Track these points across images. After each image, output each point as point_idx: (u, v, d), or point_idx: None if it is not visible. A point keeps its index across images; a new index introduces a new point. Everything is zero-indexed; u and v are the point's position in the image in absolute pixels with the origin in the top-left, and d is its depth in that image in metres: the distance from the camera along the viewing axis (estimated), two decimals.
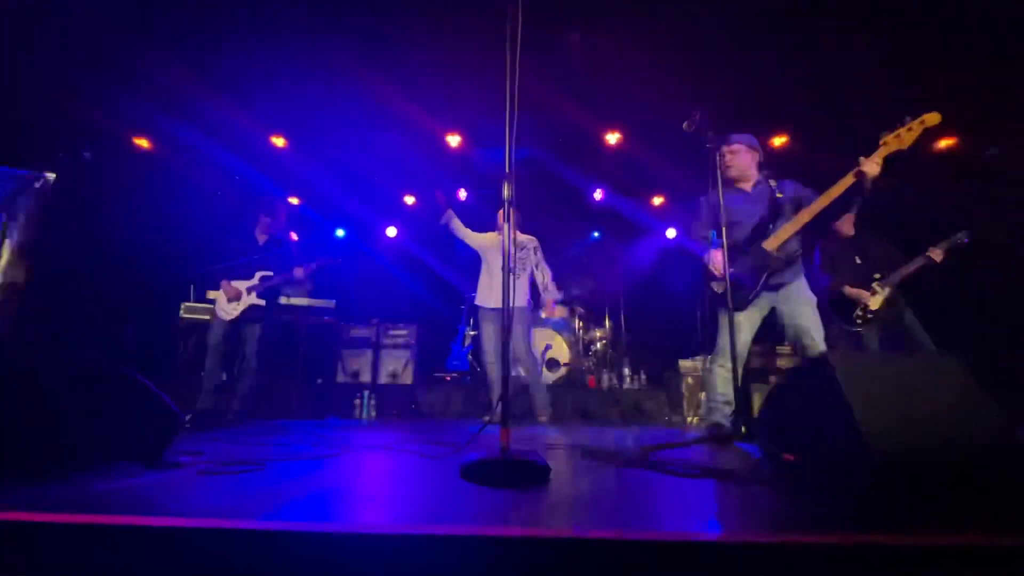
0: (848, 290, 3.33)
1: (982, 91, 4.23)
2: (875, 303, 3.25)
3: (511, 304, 3.45)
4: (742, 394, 4.15)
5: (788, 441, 1.61)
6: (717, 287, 2.59)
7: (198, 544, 0.83)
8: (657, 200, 6.49)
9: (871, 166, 2.28)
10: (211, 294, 4.12)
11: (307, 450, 1.88)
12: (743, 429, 1.85)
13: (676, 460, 1.65)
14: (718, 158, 2.47)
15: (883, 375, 1.39)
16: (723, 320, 2.50)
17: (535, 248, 4.20)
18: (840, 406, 1.35)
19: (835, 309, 3.39)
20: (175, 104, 4.77)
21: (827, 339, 2.49)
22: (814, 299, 2.54)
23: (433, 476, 1.41)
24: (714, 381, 2.52)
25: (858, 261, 3.42)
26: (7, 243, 3.98)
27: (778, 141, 4.96)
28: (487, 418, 3.69)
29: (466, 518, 0.95)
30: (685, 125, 2.47)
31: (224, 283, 3.89)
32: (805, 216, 2.47)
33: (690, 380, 5.02)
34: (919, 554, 0.80)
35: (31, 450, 1.41)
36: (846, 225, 3.53)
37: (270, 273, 4.01)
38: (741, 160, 2.69)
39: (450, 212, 4.13)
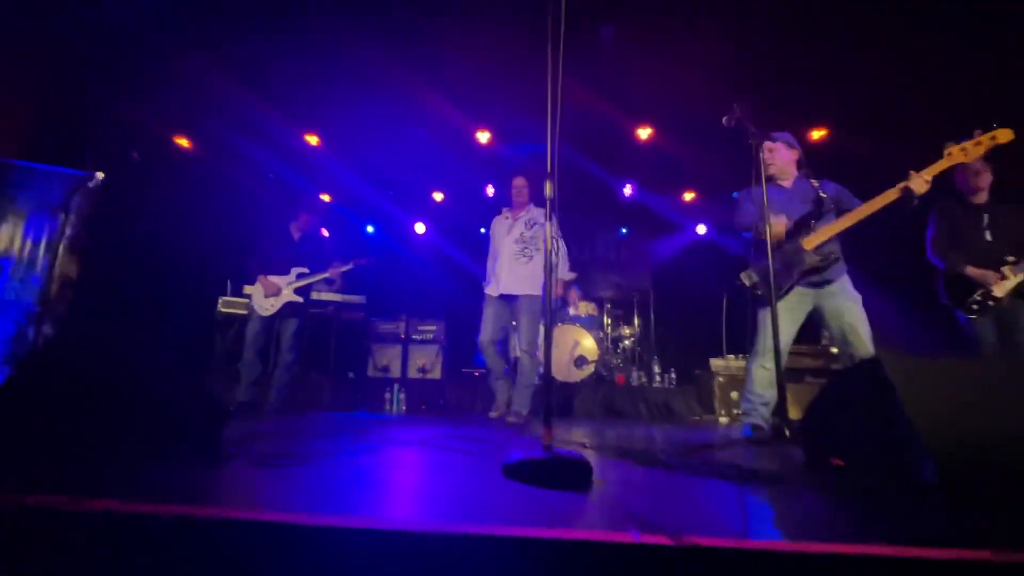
0: (971, 270, 2.76)
1: None
2: (1000, 289, 2.67)
3: (519, 292, 3.41)
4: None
5: (835, 445, 1.57)
6: (745, 278, 2.58)
7: (254, 536, 0.86)
8: (688, 195, 6.37)
9: (919, 183, 2.24)
10: (247, 289, 4.12)
11: (349, 444, 1.92)
12: (785, 432, 1.81)
13: (719, 462, 1.63)
14: (762, 149, 2.42)
15: (941, 378, 1.34)
16: (764, 318, 2.46)
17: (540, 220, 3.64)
18: (893, 409, 1.31)
19: (949, 290, 2.88)
20: (213, 104, 4.91)
21: (932, 324, 2.36)
22: (859, 296, 2.48)
23: (476, 473, 1.43)
24: (753, 380, 2.48)
25: (988, 237, 2.82)
26: (60, 239, 4.19)
27: (816, 135, 4.81)
28: (494, 413, 3.60)
29: (517, 518, 0.96)
30: (725, 120, 2.42)
31: (262, 278, 3.94)
32: (846, 221, 2.43)
33: (721, 379, 4.92)
34: (974, 570, 0.77)
35: (90, 439, 1.48)
36: (980, 189, 2.90)
37: (306, 270, 4.06)
38: (780, 157, 2.67)
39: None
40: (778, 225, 2.43)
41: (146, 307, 4.38)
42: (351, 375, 5.54)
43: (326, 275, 4.12)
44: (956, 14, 3.64)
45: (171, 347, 4.94)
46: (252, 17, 4.07)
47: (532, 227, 3.58)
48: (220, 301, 5.29)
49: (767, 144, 2.61)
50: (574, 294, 5.99)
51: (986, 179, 2.89)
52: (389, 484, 1.26)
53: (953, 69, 4.12)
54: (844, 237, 2.52)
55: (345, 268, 4.20)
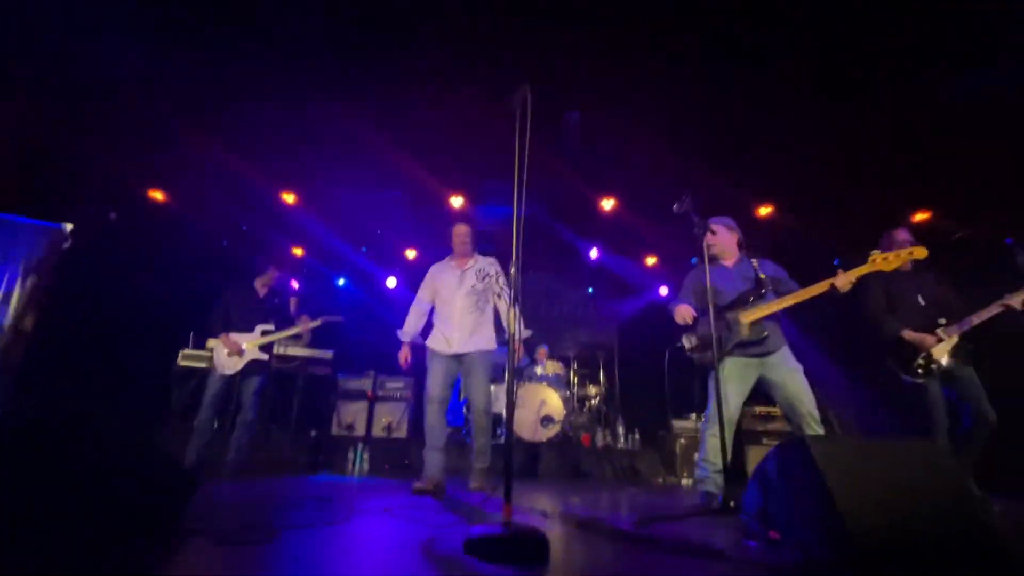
0: (909, 334, 2.96)
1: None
2: (939, 351, 2.89)
3: (473, 349, 3.11)
4: (735, 459, 4.20)
5: (774, 518, 1.70)
6: (686, 341, 2.85)
7: None
8: (650, 260, 6.72)
9: (844, 283, 2.55)
10: (210, 343, 4.00)
11: (314, 515, 1.93)
12: (731, 504, 1.93)
13: (668, 535, 1.72)
14: (705, 235, 2.70)
15: (864, 459, 1.50)
16: (713, 387, 2.63)
17: (497, 273, 3.34)
18: (821, 488, 1.45)
19: (893, 355, 3.06)
20: (189, 159, 5.01)
21: (889, 387, 2.56)
22: (800, 367, 2.68)
23: (439, 548, 1.48)
24: (706, 448, 2.62)
25: (922, 302, 3.06)
26: (18, 290, 4.10)
27: (763, 211, 5.25)
28: (420, 486, 2.74)
29: None
30: (675, 206, 2.69)
31: (224, 336, 3.80)
32: (780, 304, 2.67)
33: (683, 441, 5.06)
34: None
35: (44, 517, 1.45)
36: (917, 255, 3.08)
37: (272, 327, 3.97)
38: (722, 239, 2.98)
39: (405, 349, 3.39)
40: (684, 313, 2.77)
41: (104, 368, 4.23)
42: (313, 433, 5.40)
43: (292, 332, 4.04)
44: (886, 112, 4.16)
45: (121, 403, 4.71)
46: (236, 80, 4.26)
47: (484, 279, 3.27)
48: (181, 353, 5.17)
49: (710, 227, 2.88)
50: (542, 352, 6.12)
51: (921, 252, 3.18)
52: (353, 565, 1.30)
53: (883, 163, 4.65)
54: (795, 310, 2.75)
55: (313, 324, 4.15)
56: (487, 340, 3.22)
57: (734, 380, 2.67)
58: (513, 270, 1.78)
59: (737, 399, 2.69)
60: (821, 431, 2.52)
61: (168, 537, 1.49)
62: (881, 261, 2.59)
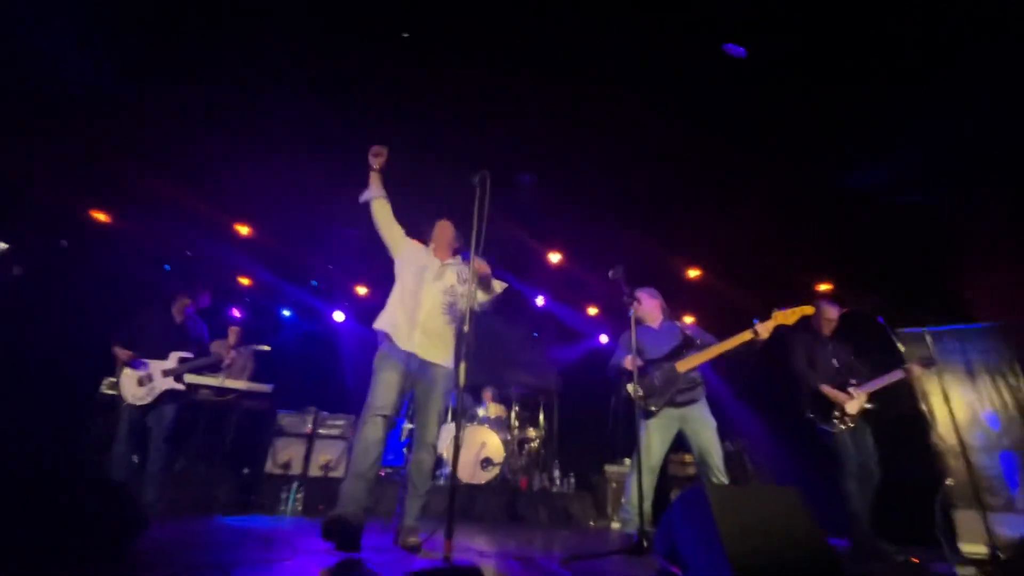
0: (827, 389, 3.39)
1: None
2: (852, 407, 3.33)
3: (438, 361, 2.54)
4: (660, 502, 4.50)
5: (679, 556, 1.96)
6: (632, 389, 3.06)
7: None
8: (592, 310, 7.15)
9: (764, 332, 2.99)
10: (117, 376, 3.64)
11: (258, 554, 2.00)
12: (644, 544, 2.18)
13: (589, 572, 1.94)
14: (633, 303, 3.10)
15: (745, 505, 1.81)
16: (642, 437, 2.94)
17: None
18: (713, 530, 1.74)
19: (812, 406, 3.46)
20: (135, 184, 4.94)
21: (803, 437, 2.89)
22: (714, 422, 3.06)
23: None
24: (631, 492, 2.89)
25: (835, 363, 3.53)
26: None
27: (693, 273, 5.83)
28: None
29: None
30: (611, 274, 3.06)
31: (118, 350, 3.55)
32: (711, 353, 3.07)
33: (614, 485, 5.33)
34: None
35: None
36: (827, 326, 3.66)
37: (189, 355, 3.72)
38: (646, 306, 3.44)
39: (378, 190, 2.86)
40: (628, 362, 3.07)
41: (25, 394, 3.99)
42: (246, 471, 5.23)
43: (209, 358, 3.80)
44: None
45: (39, 434, 4.44)
46: (193, 108, 4.31)
47: (464, 283, 2.75)
48: (104, 382, 4.92)
49: (636, 296, 3.31)
50: (488, 394, 6.28)
51: (831, 324, 3.75)
52: None
53: (792, 238, 5.34)
54: (721, 368, 3.18)
55: (229, 349, 3.86)
56: (451, 357, 2.67)
57: (660, 431, 3.01)
58: (466, 327, 2.00)
59: (661, 448, 3.01)
60: (724, 480, 2.87)
61: (115, 574, 1.55)
62: (782, 316, 3.11)
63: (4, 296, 3.09)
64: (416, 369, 2.54)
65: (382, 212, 2.85)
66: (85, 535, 1.61)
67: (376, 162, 2.82)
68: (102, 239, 5.24)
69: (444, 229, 2.98)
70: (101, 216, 5.18)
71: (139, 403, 3.50)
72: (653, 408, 3.02)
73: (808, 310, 3.19)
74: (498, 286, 2.79)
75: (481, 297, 2.72)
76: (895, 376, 3.41)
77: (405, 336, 2.55)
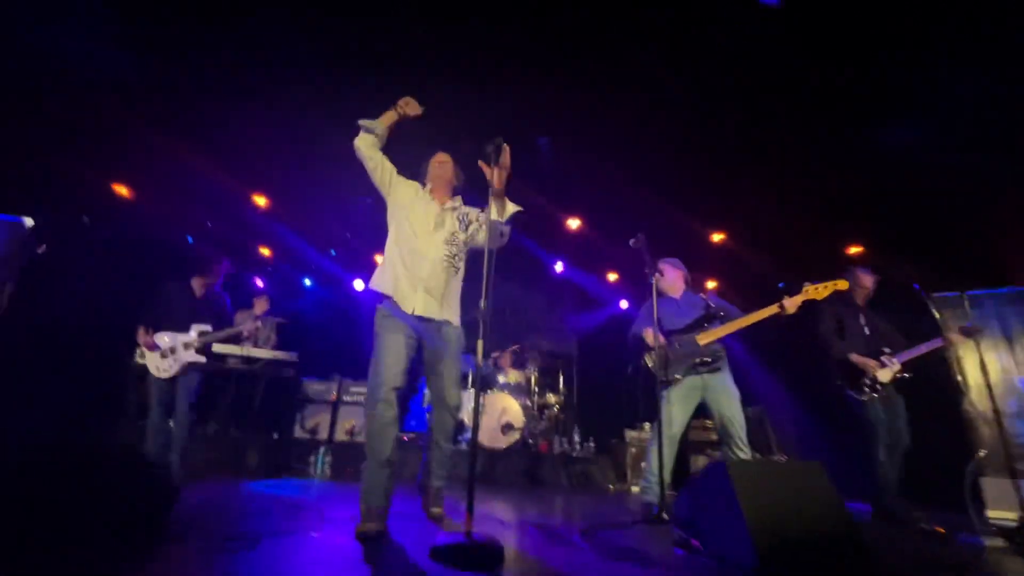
0: (856, 358, 3.33)
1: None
2: (884, 376, 3.26)
3: (448, 318, 2.31)
4: (681, 468, 4.54)
5: (698, 528, 1.96)
6: (649, 360, 3.08)
7: None
8: (612, 276, 7.05)
9: (792, 306, 2.89)
10: (142, 355, 3.77)
11: (287, 523, 2.07)
12: (663, 515, 2.19)
13: (609, 542, 1.97)
14: (655, 275, 3.06)
15: (766, 480, 1.78)
16: (664, 407, 2.92)
17: (476, 216, 2.57)
18: (735, 505, 1.72)
19: (841, 374, 3.41)
20: (155, 158, 4.96)
21: (831, 408, 2.76)
22: (737, 392, 3.00)
23: (408, 554, 1.67)
24: (651, 461, 2.89)
25: (867, 332, 3.45)
26: None
27: (717, 237, 5.65)
28: (366, 527, 1.94)
29: None
30: (632, 242, 2.97)
31: (142, 334, 3.65)
32: (733, 326, 2.99)
33: (634, 450, 5.38)
34: None
35: (29, 531, 1.54)
36: (861, 293, 3.56)
37: (209, 328, 3.77)
38: (669, 277, 3.35)
39: (375, 124, 2.48)
40: (649, 336, 3.04)
41: (62, 367, 4.14)
42: (276, 436, 5.43)
43: (234, 331, 3.86)
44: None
45: (79, 403, 4.60)
46: (210, 81, 4.27)
47: (466, 227, 2.50)
48: (137, 351, 5.10)
49: (659, 267, 3.21)
50: (506, 357, 6.33)
51: (864, 292, 3.63)
52: (331, 571, 1.47)
53: (822, 199, 5.10)
54: (746, 338, 3.11)
55: (253, 325, 3.99)
56: (458, 313, 2.46)
57: (681, 401, 2.96)
58: (483, 303, 1.96)
59: (683, 418, 2.97)
60: (745, 452, 2.83)
61: (151, 544, 1.61)
62: (813, 291, 2.99)
63: (32, 272, 3.15)
64: (423, 332, 2.30)
65: (365, 143, 2.44)
66: (117, 510, 1.67)
67: (401, 109, 2.48)
68: (125, 213, 5.32)
69: (442, 166, 2.59)
70: (123, 190, 5.23)
71: (164, 375, 3.61)
72: (675, 378, 2.98)
73: (842, 284, 3.06)
74: (511, 207, 2.41)
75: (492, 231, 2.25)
76: (934, 344, 3.30)
77: (408, 297, 2.28)
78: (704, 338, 3.01)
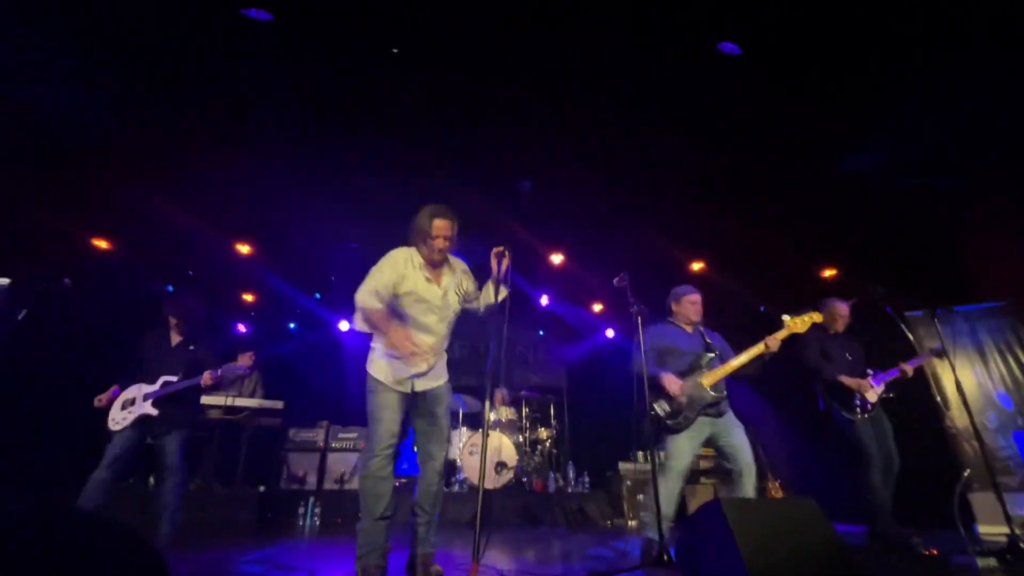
0: (848, 379, 3.44)
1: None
2: (872, 395, 3.41)
3: (440, 382, 2.35)
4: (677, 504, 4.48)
5: (699, 569, 1.96)
6: (659, 408, 2.96)
7: None
8: (597, 307, 7.14)
9: (775, 343, 2.95)
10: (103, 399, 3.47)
11: None
12: (663, 557, 2.18)
13: None
14: (686, 305, 3.18)
15: (762, 518, 1.81)
16: (670, 444, 2.89)
17: (470, 279, 2.63)
18: (733, 544, 1.73)
19: (833, 396, 3.50)
20: (134, 210, 4.94)
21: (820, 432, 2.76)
22: (741, 425, 3.02)
23: None
24: (662, 497, 2.79)
25: (848, 357, 3.57)
26: None
27: (696, 266, 5.80)
28: None
29: None
30: (616, 281, 3.02)
31: (114, 388, 3.43)
32: (732, 366, 2.97)
33: (629, 483, 5.34)
34: None
35: None
36: (840, 322, 3.69)
37: (174, 379, 3.45)
38: (699, 309, 3.24)
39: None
40: (673, 385, 2.90)
41: (43, 428, 3.99)
42: (262, 488, 5.27)
43: (196, 382, 3.43)
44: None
45: (50, 466, 4.39)
46: (188, 131, 4.30)
47: (463, 297, 2.54)
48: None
49: (695, 296, 3.22)
50: (500, 396, 6.29)
51: (844, 321, 3.75)
52: None
53: (795, 226, 5.30)
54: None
55: (215, 377, 3.48)
56: (444, 373, 2.49)
57: (690, 439, 2.90)
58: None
59: (691, 455, 2.91)
60: (753, 477, 2.82)
61: None
62: (793, 324, 3.06)
63: (10, 335, 3.05)
64: (416, 396, 2.35)
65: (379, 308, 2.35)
66: None
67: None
68: (105, 266, 5.26)
69: (440, 230, 2.41)
70: (103, 243, 5.19)
71: (116, 428, 3.29)
72: (683, 423, 2.91)
73: (817, 317, 3.13)
74: (504, 291, 2.54)
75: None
76: (912, 364, 3.47)
77: (405, 381, 2.31)
78: (708, 379, 2.95)
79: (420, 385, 2.34)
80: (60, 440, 2.99)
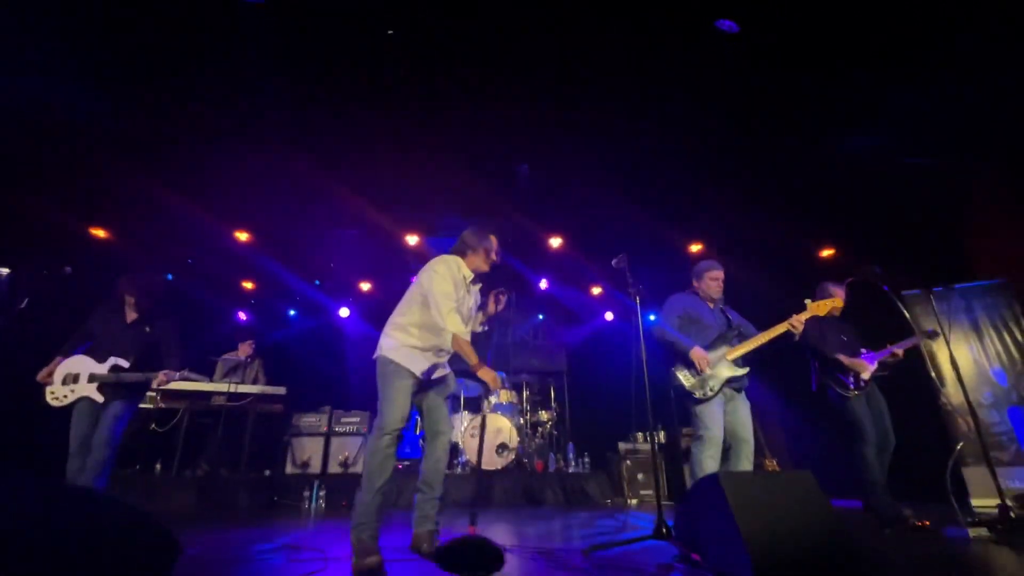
0: (845, 359, 3.51)
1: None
2: (867, 373, 3.48)
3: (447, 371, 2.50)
4: (676, 478, 4.51)
5: (698, 542, 2.01)
6: (684, 379, 2.99)
7: None
8: (596, 290, 7.16)
9: (799, 324, 3.01)
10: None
11: (290, 568, 2.06)
12: (663, 530, 2.24)
13: (611, 561, 2.00)
14: (708, 281, 3.21)
15: (758, 491, 1.85)
16: (701, 412, 2.90)
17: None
18: (729, 518, 1.78)
19: (828, 376, 3.58)
20: (133, 199, 4.93)
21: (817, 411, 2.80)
22: (748, 402, 3.07)
23: None
24: (703, 470, 2.78)
25: (844, 339, 3.64)
26: None
27: (695, 248, 5.80)
28: (360, 564, 1.95)
29: None
30: (615, 262, 3.03)
31: (57, 360, 3.11)
32: (755, 342, 3.05)
33: (628, 462, 5.42)
34: None
35: None
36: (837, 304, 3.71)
37: (125, 363, 3.15)
38: (721, 286, 3.27)
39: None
40: (701, 359, 2.93)
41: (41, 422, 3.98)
42: (267, 473, 5.35)
43: (145, 376, 3.15)
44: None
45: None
46: (187, 121, 4.28)
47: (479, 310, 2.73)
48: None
49: (714, 273, 3.24)
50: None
51: (840, 303, 3.70)
52: None
53: (793, 206, 5.30)
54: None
55: (171, 377, 3.20)
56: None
57: (719, 403, 2.93)
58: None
59: (722, 423, 2.92)
60: (750, 451, 2.87)
61: None
62: (815, 307, 3.18)
63: (13, 327, 3.04)
64: (429, 381, 2.48)
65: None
66: (116, 568, 1.65)
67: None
68: (103, 256, 5.26)
69: (491, 250, 2.69)
70: (100, 233, 5.18)
71: (56, 404, 3.04)
72: (710, 393, 2.93)
73: (838, 303, 3.27)
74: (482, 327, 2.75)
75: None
76: (905, 344, 3.52)
77: (426, 368, 2.43)
78: (732, 354, 3.00)
79: (439, 372, 2.53)
80: (64, 428, 2.97)
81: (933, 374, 4.53)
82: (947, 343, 3.38)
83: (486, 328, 2.77)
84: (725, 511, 1.79)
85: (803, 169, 4.80)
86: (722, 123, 4.20)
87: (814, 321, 3.66)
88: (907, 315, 3.50)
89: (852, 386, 3.47)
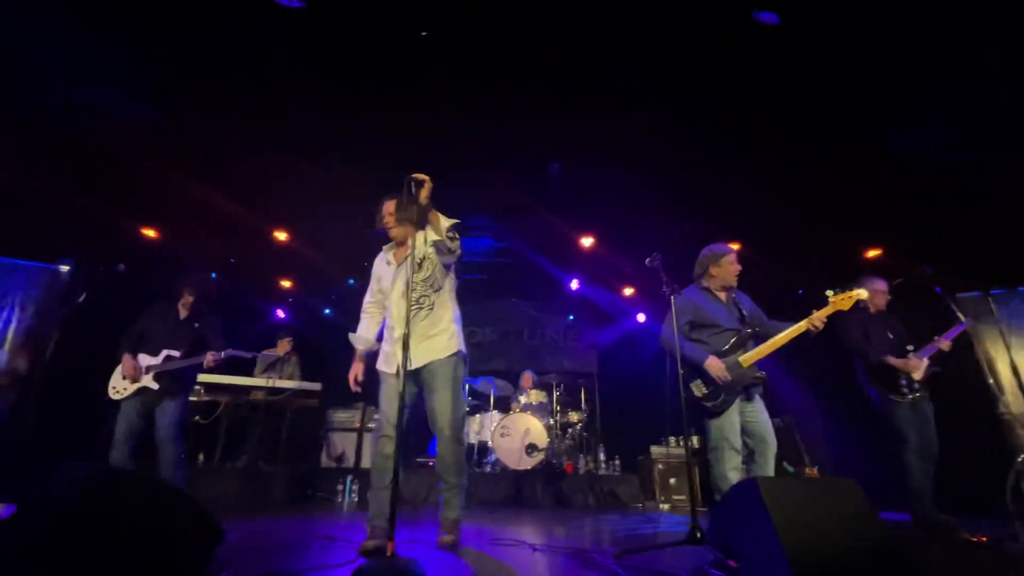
0: (894, 360, 3.29)
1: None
2: (918, 373, 3.26)
3: (428, 360, 2.47)
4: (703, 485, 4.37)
5: (734, 549, 1.95)
6: (696, 389, 2.85)
7: None
8: (628, 291, 7.06)
9: (820, 322, 2.81)
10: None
11: (323, 557, 2.11)
12: (696, 535, 2.17)
13: (643, 565, 1.96)
14: (726, 265, 3.05)
15: (799, 498, 1.77)
16: (714, 426, 2.77)
17: (424, 246, 2.64)
18: (768, 524, 1.71)
19: (876, 380, 3.37)
20: (181, 200, 5.16)
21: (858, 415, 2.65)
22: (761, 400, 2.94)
23: None
24: (731, 482, 2.63)
25: (891, 336, 3.44)
26: (11, 332, 4.17)
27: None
28: (366, 545, 2.21)
29: None
30: (648, 261, 2.96)
31: (127, 357, 3.35)
32: (772, 346, 2.84)
33: (661, 466, 5.31)
34: None
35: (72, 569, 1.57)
36: (880, 299, 3.55)
37: (177, 353, 3.44)
38: (733, 270, 3.05)
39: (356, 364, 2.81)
40: (718, 369, 2.77)
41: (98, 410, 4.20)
42: (303, 467, 5.50)
43: (199, 361, 3.44)
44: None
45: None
46: (229, 126, 4.45)
47: (422, 262, 2.60)
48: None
49: (731, 257, 3.06)
50: (527, 379, 6.34)
51: (884, 297, 3.61)
52: None
53: (837, 206, 5.08)
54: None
55: (217, 358, 3.47)
56: (443, 346, 2.57)
57: (734, 413, 2.79)
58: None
59: (739, 429, 2.80)
60: (774, 454, 2.74)
61: None
62: (838, 301, 2.90)
63: (74, 321, 3.23)
64: (411, 375, 2.52)
65: (368, 322, 2.94)
66: (160, 550, 1.71)
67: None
68: (153, 254, 5.52)
69: (390, 217, 2.71)
70: (151, 232, 5.45)
71: (117, 396, 3.30)
72: (722, 405, 2.79)
73: (863, 294, 2.92)
74: (445, 223, 2.47)
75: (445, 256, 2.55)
76: (953, 333, 3.31)
77: (388, 361, 2.69)
78: (747, 360, 2.83)
79: (413, 364, 2.49)
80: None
81: (991, 380, 4.27)
82: (1007, 348, 3.18)
83: (453, 236, 2.52)
84: (764, 517, 1.72)
85: (851, 166, 4.59)
86: (762, 119, 4.06)
87: (857, 320, 3.48)
88: (961, 316, 3.30)
89: (905, 389, 3.25)
